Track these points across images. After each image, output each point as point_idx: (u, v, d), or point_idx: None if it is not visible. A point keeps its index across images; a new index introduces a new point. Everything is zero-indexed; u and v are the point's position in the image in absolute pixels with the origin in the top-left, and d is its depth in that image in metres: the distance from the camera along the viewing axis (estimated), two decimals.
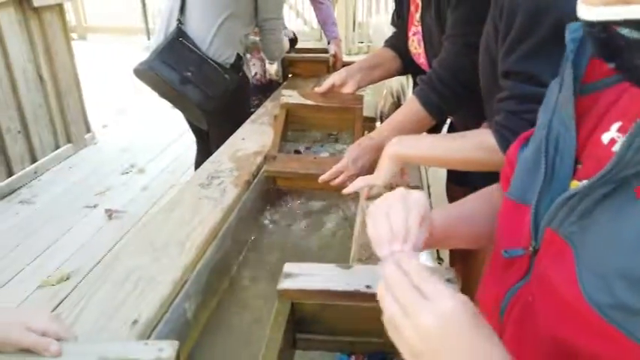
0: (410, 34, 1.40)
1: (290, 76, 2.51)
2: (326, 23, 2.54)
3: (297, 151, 1.51)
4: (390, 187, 1.07)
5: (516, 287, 0.51)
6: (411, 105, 1.20)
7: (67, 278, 2.24)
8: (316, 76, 2.42)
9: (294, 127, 1.55)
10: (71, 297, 0.84)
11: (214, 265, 1.03)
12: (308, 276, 0.69)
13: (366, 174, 1.19)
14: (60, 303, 2.15)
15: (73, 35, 7.83)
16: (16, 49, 3.05)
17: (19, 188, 3.03)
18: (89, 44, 7.37)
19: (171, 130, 3.90)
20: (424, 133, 1.20)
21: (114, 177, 3.26)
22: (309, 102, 1.53)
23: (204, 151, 2.30)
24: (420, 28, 1.34)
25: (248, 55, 2.42)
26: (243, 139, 1.61)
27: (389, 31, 1.62)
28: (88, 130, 3.78)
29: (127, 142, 3.83)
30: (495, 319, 0.54)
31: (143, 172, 3.35)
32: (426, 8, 1.28)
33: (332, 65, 2.45)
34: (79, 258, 2.41)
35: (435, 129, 1.62)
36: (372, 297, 0.46)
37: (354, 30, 6.59)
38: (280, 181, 1.35)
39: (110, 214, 2.77)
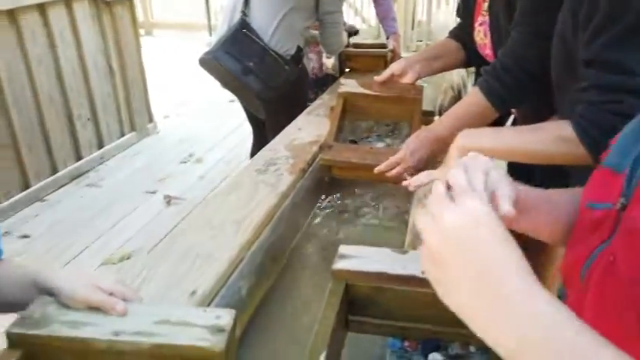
0: (476, 24, 1.36)
1: (347, 70, 2.51)
2: (385, 18, 2.53)
3: (353, 141, 1.51)
4: None
5: (598, 250, 0.48)
6: (474, 96, 1.17)
7: (129, 257, 2.35)
8: (373, 71, 2.40)
9: (351, 116, 1.55)
10: (134, 269, 0.88)
11: (268, 248, 1.04)
12: (363, 258, 0.68)
13: (424, 167, 1.18)
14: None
15: (140, 31, 8.21)
16: (88, 40, 3.23)
17: (86, 172, 3.21)
18: (155, 39, 7.68)
19: (229, 122, 4.00)
20: (500, 127, 1.16)
21: (173, 165, 3.39)
22: (367, 91, 1.53)
23: (260, 143, 2.34)
24: (487, 18, 1.30)
25: (306, 49, 2.45)
26: (299, 129, 1.62)
27: (452, 25, 1.59)
28: (151, 119, 3.94)
29: (186, 132, 3.97)
30: (577, 284, 0.51)
31: (201, 161, 3.46)
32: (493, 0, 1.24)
33: (390, 60, 2.42)
34: (139, 239, 2.52)
35: (495, 124, 1.58)
36: (427, 283, 0.45)
37: (412, 28, 6.49)
38: (335, 170, 1.36)
39: (169, 200, 2.88)
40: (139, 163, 3.40)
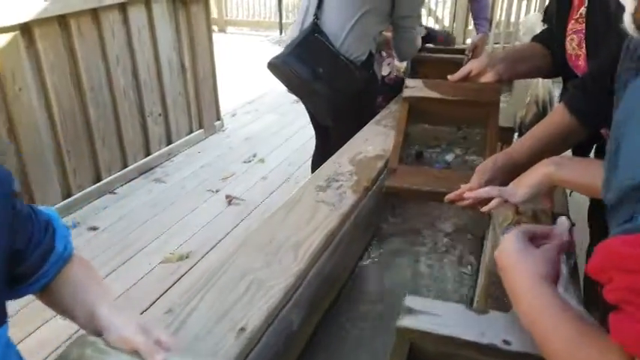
0: (569, 31, 1.22)
1: (419, 76, 2.39)
2: (478, 17, 2.38)
3: (419, 154, 1.39)
4: (523, 212, 0.93)
5: None
6: (559, 114, 1.03)
7: (187, 257, 2.37)
8: (446, 78, 2.27)
9: (418, 122, 1.42)
10: (185, 294, 0.83)
11: (326, 275, 0.97)
12: (433, 316, 0.59)
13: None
14: (178, 280, 2.25)
15: (214, 28, 8.43)
16: (164, 38, 3.31)
17: (154, 167, 3.30)
18: (228, 36, 7.85)
19: (294, 123, 3.98)
20: (589, 158, 1.01)
21: (237, 164, 3.41)
22: (435, 94, 1.40)
23: (323, 150, 2.28)
24: (583, 26, 1.15)
25: (384, 54, 2.36)
26: (365, 140, 1.54)
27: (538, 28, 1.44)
28: (218, 117, 3.99)
29: (251, 131, 3.99)
30: None
31: (263, 162, 3.46)
32: (593, 2, 1.09)
33: (469, 57, 2.28)
34: (198, 239, 2.54)
35: (581, 149, 1.41)
36: (509, 356, 0.36)
37: (490, 30, 6.18)
38: (403, 196, 1.25)
39: (230, 200, 2.89)
40: (204, 160, 3.45)
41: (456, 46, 2.43)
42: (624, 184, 0.46)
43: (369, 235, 1.22)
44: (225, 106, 4.16)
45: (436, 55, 2.38)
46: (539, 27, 1.68)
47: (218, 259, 0.90)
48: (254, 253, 0.92)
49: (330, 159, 1.42)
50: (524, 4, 6.18)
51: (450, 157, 1.31)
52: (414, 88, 1.39)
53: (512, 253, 0.62)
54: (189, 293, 0.83)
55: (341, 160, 1.40)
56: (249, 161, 3.46)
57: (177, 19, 3.39)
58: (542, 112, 1.54)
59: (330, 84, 1.80)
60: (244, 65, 5.60)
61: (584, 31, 1.15)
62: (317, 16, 1.85)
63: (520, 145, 1.09)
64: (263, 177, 3.23)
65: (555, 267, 0.61)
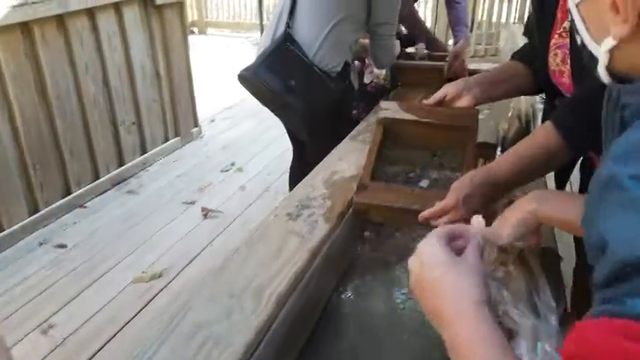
0: (552, 46, 1.15)
1: (399, 84, 2.31)
2: (457, 24, 2.31)
3: (394, 176, 1.30)
4: (509, 250, 0.85)
5: None
6: (545, 133, 0.96)
7: (160, 276, 2.27)
8: (427, 85, 2.20)
9: (392, 145, 1.35)
10: (136, 350, 0.74)
11: (293, 319, 0.88)
12: None
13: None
14: (150, 300, 2.13)
15: (194, 29, 8.28)
16: (136, 45, 3.19)
17: (128, 178, 3.18)
18: (208, 38, 7.72)
19: (273, 129, 3.88)
20: (574, 193, 0.94)
21: (214, 174, 3.31)
22: (410, 116, 1.33)
23: (300, 163, 2.20)
24: (567, 40, 1.09)
25: (367, 61, 2.28)
26: (340, 159, 1.46)
27: (522, 42, 1.38)
28: (196, 124, 3.88)
29: (230, 138, 3.89)
30: None
31: (242, 170, 3.36)
32: None
33: (449, 67, 2.21)
34: (172, 255, 2.44)
35: (563, 172, 1.35)
36: None
37: (471, 30, 6.17)
38: (372, 214, 1.17)
39: (206, 213, 2.79)
40: (180, 170, 3.34)
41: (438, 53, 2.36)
42: (617, 256, 0.39)
43: (344, 264, 1.13)
44: (203, 112, 4.05)
45: (416, 62, 2.31)
46: (519, 37, 1.62)
47: (170, 311, 0.80)
48: (210, 303, 0.83)
49: (303, 180, 1.33)
50: (505, 5, 6.19)
51: (424, 184, 1.23)
52: (389, 110, 1.31)
53: (435, 267, 0.57)
54: (139, 352, 0.74)
55: (314, 181, 1.32)
56: (227, 170, 3.36)
57: (150, 24, 3.27)
58: (525, 128, 1.47)
59: (304, 97, 1.71)
60: (224, 68, 5.48)
61: (568, 46, 1.08)
62: (289, 24, 1.76)
63: (502, 162, 1.01)
64: (241, 187, 3.13)
65: (484, 280, 0.57)
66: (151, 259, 2.39)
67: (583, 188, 1.36)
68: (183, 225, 2.70)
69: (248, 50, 6.42)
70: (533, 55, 1.24)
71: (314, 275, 0.98)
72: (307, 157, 2.04)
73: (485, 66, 3.15)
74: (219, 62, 5.86)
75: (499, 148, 1.48)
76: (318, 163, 1.48)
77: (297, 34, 1.77)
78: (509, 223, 0.80)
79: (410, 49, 2.37)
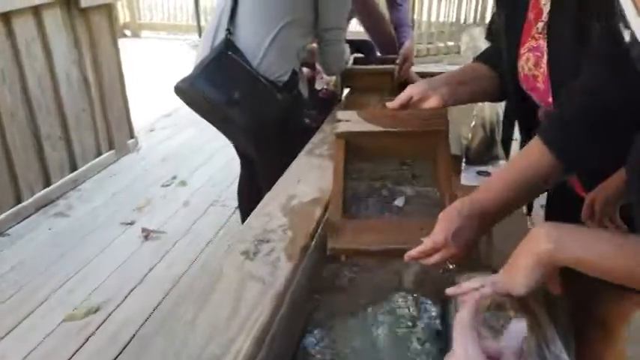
0: (522, 49, 1.06)
1: (349, 89, 2.21)
2: (401, 25, 2.24)
3: (366, 196, 1.18)
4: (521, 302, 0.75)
5: None
6: (534, 152, 0.86)
7: (96, 310, 2.03)
8: (379, 89, 2.11)
9: (357, 160, 1.22)
10: None
11: None
12: None
13: (470, 250, 0.88)
14: (89, 337, 1.89)
15: (127, 32, 7.85)
16: (60, 51, 2.90)
17: (56, 199, 2.88)
18: (142, 41, 7.33)
19: (217, 137, 3.62)
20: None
21: (154, 189, 3.07)
22: (373, 127, 1.21)
23: (250, 174, 2.04)
24: (541, 42, 1.00)
25: (317, 66, 2.15)
26: (298, 180, 1.32)
27: (484, 46, 1.29)
28: (132, 135, 3.61)
29: (170, 149, 3.65)
30: None
31: (185, 184, 3.14)
32: (556, 15, 0.94)
33: (401, 66, 2.14)
34: (111, 284, 2.20)
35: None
36: None
37: (413, 28, 6.21)
38: (346, 258, 1.03)
39: (147, 234, 2.56)
40: (116, 187, 3.07)
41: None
42: None
43: (310, 306, 1.00)
44: (140, 122, 3.79)
45: (364, 66, 2.21)
46: (482, 42, 1.55)
47: None
48: None
49: (257, 208, 1.18)
50: (443, 4, 6.31)
51: (400, 202, 1.11)
52: (348, 121, 1.19)
53: None
54: None
55: (270, 209, 1.17)
56: (169, 184, 3.14)
57: (74, 29, 2.99)
58: (490, 137, 1.39)
59: (249, 109, 1.56)
60: (161, 73, 5.19)
61: (543, 49, 1.00)
62: (230, 30, 1.60)
63: (487, 189, 0.90)
64: (185, 202, 2.92)
65: None
66: (86, 291, 2.14)
67: (550, 200, 1.30)
68: (121, 249, 2.46)
69: (185, 53, 6.14)
70: (499, 58, 1.16)
71: (279, 330, 0.83)
72: (258, 175, 1.89)
73: (431, 68, 3.13)
74: (155, 66, 5.56)
75: (464, 160, 1.39)
76: (270, 181, 1.33)
77: (239, 40, 1.62)
78: (522, 271, 0.68)
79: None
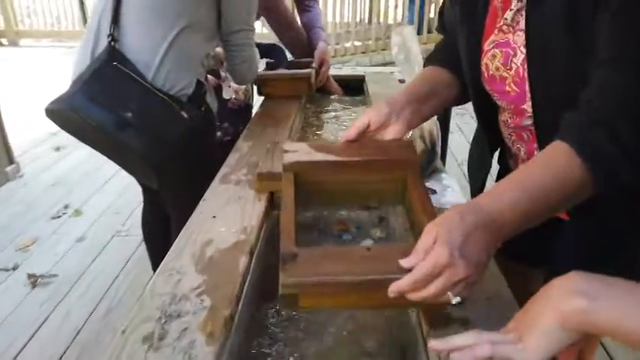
0: (486, 45, 0.90)
1: (263, 97, 1.99)
2: (313, 27, 2.10)
3: (321, 228, 0.94)
4: None
5: None
6: (557, 159, 0.68)
7: None
8: (297, 96, 1.91)
9: (309, 199, 0.97)
10: None
11: None
12: None
13: (480, 271, 0.66)
14: None
15: (3, 41, 6.97)
16: None
17: None
18: (21, 51, 6.56)
19: None
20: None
21: (42, 223, 2.63)
22: (328, 157, 0.96)
23: (154, 206, 1.75)
24: (511, 37, 0.84)
25: (222, 73, 1.90)
26: (213, 216, 1.07)
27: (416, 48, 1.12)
28: (11, 160, 3.10)
29: (59, 173, 3.19)
30: None
31: (79, 214, 2.73)
32: (536, 3, 0.78)
33: (318, 69, 1.99)
34: None
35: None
36: None
37: (356, 25, 6.29)
38: (305, 301, 0.76)
39: (34, 280, 2.15)
40: None
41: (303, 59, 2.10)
42: None
43: None
44: (21, 144, 3.29)
45: (278, 72, 2.01)
46: (415, 43, 1.40)
47: None
48: None
49: (163, 263, 0.91)
50: (350, 6, 6.39)
51: (368, 243, 0.89)
52: (296, 151, 0.94)
53: None
54: None
55: (180, 263, 0.91)
56: (59, 216, 2.71)
57: None
58: (431, 149, 1.23)
59: (146, 132, 1.27)
60: (44, 85, 4.60)
61: (515, 45, 0.84)
62: (113, 36, 1.30)
63: (494, 193, 0.68)
64: (79, 238, 2.52)
65: None
66: None
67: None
68: (3, 300, 2.04)
69: (71, 63, 5.54)
70: (453, 56, 0.99)
71: None
72: (164, 203, 1.60)
73: (347, 71, 2.99)
74: (36, 78, 4.92)
75: None
76: (180, 212, 1.07)
77: (127, 48, 1.32)
78: (536, 332, 0.50)
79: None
